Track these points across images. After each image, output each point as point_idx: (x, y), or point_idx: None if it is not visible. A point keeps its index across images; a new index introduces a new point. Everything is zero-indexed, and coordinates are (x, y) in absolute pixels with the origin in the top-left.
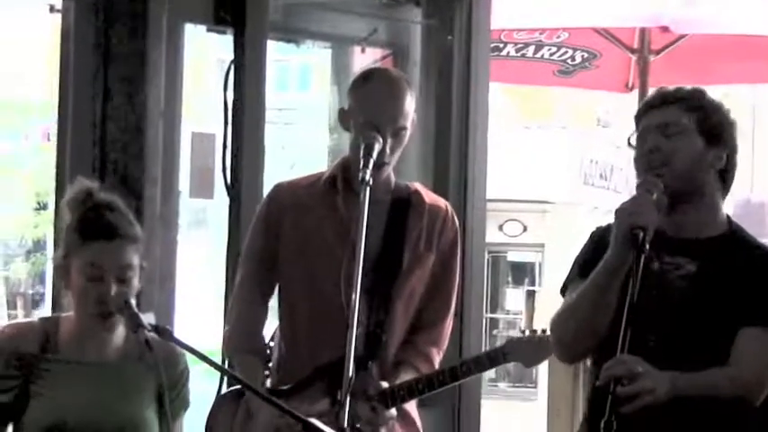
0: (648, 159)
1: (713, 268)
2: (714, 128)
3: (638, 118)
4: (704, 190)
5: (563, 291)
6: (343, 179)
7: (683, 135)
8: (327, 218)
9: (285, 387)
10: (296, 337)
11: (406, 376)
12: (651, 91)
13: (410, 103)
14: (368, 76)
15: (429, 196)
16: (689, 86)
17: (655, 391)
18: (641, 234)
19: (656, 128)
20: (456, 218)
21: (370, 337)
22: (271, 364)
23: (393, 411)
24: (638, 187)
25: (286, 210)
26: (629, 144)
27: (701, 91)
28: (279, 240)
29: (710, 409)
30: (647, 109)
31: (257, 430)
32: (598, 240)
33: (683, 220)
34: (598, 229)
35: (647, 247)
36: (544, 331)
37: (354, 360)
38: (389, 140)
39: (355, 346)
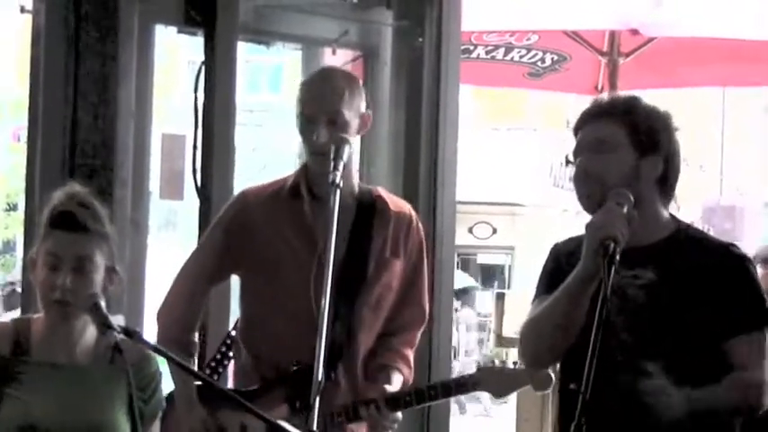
0: (580, 183)
1: (669, 272)
2: (648, 136)
3: (575, 131)
4: (642, 200)
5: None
6: (306, 186)
7: (614, 151)
8: (294, 226)
9: (244, 389)
10: (259, 344)
11: (395, 379)
12: (620, 94)
13: (349, 92)
14: (310, 74)
15: (393, 201)
16: (624, 95)
17: (672, 409)
18: (612, 245)
19: (588, 144)
20: (420, 223)
21: (334, 347)
22: (231, 368)
23: (399, 414)
24: (608, 199)
25: (252, 219)
26: (567, 162)
27: (634, 99)
28: (241, 248)
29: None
30: (582, 123)
31: None
32: (559, 257)
33: (631, 230)
34: (555, 246)
35: (618, 258)
36: (515, 364)
37: (312, 369)
38: (323, 131)
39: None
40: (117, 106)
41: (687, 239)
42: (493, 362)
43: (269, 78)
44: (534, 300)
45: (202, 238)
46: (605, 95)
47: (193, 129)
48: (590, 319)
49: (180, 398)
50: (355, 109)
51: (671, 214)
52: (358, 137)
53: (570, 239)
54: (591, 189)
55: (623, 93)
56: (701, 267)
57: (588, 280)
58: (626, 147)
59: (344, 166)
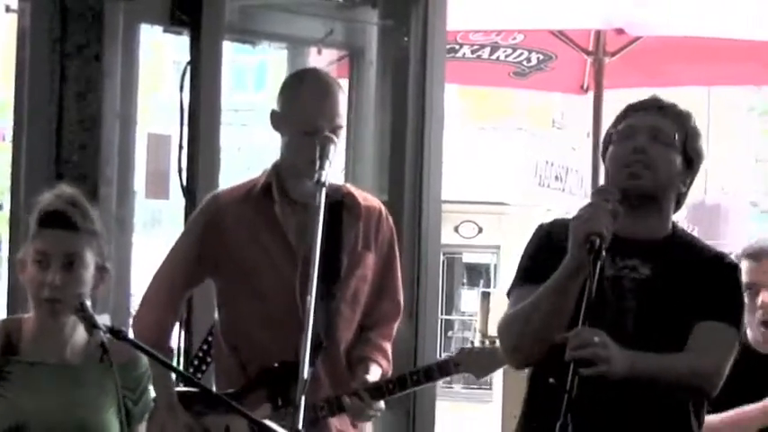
0: (632, 158)
1: (665, 270)
2: (693, 153)
3: (627, 113)
4: (663, 205)
5: (509, 295)
6: (278, 187)
7: (671, 147)
8: (265, 228)
9: (227, 392)
10: (239, 347)
11: (374, 370)
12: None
13: (344, 102)
14: (299, 76)
15: (362, 197)
16: (681, 107)
17: (610, 361)
18: (597, 241)
19: (648, 129)
20: (390, 216)
21: (313, 343)
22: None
23: (381, 403)
24: (593, 195)
25: (224, 222)
26: (608, 140)
27: (690, 115)
28: (215, 251)
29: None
30: (640, 109)
31: None
32: (544, 239)
33: (634, 222)
34: (540, 227)
35: (604, 253)
36: (494, 342)
37: (293, 366)
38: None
39: (296, 353)
40: (102, 106)
41: (685, 243)
42: (472, 343)
43: (254, 78)
44: (513, 288)
45: (174, 244)
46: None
47: (179, 128)
48: (573, 318)
49: (161, 402)
50: (345, 116)
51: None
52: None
53: (555, 222)
54: (642, 172)
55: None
56: (696, 268)
57: (575, 272)
58: (678, 150)
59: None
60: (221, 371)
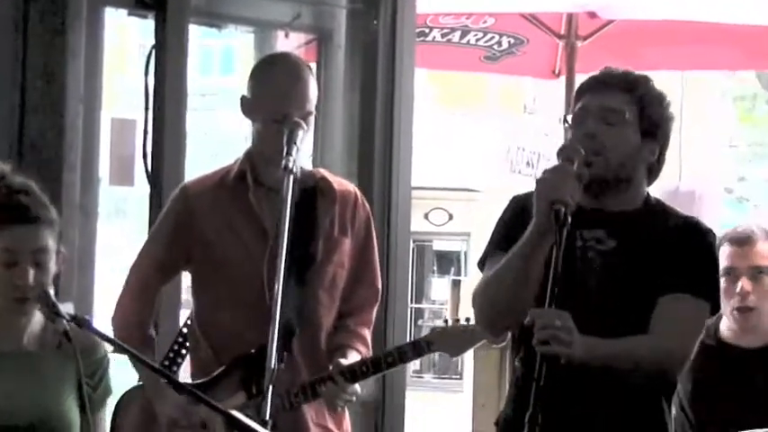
0: (582, 145)
1: (632, 241)
2: (653, 122)
3: (580, 94)
4: (632, 179)
5: (481, 264)
6: (252, 174)
7: (622, 126)
8: (240, 215)
9: (200, 380)
10: (215, 336)
11: (351, 356)
12: (578, 77)
13: (315, 88)
14: (270, 62)
15: (336, 181)
16: (636, 72)
17: (571, 346)
18: (562, 209)
19: (597, 111)
20: (365, 201)
21: (286, 330)
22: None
23: (357, 387)
24: (558, 154)
25: (197, 211)
26: (565, 121)
27: (646, 79)
28: (189, 241)
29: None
30: (589, 88)
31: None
32: (519, 210)
33: (603, 197)
34: (515, 198)
35: (570, 220)
36: (468, 320)
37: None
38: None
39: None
40: (66, 90)
41: (656, 213)
42: (446, 321)
43: (221, 62)
44: (486, 257)
45: (149, 235)
46: (615, 67)
47: (144, 113)
48: (543, 290)
49: (150, 389)
50: (314, 102)
51: (647, 192)
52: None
53: (530, 194)
54: (593, 159)
55: (634, 70)
56: (663, 238)
57: (540, 237)
58: (632, 125)
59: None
60: (196, 361)
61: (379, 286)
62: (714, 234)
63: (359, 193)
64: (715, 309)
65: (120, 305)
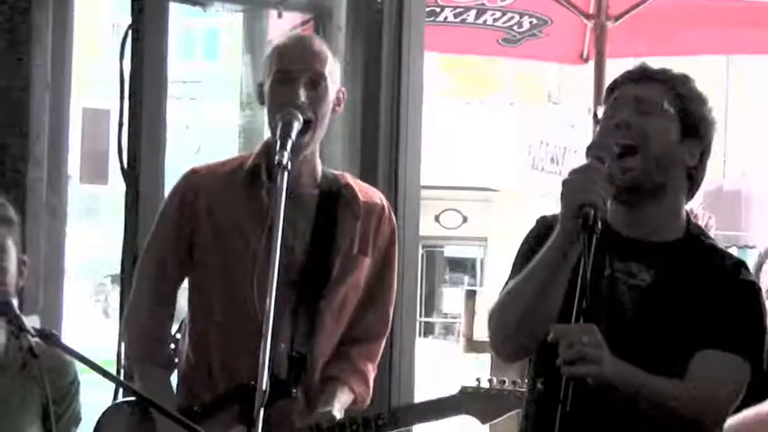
0: (615, 137)
1: (669, 279)
2: (695, 119)
3: (612, 89)
4: (671, 187)
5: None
6: (267, 169)
7: (661, 116)
8: (250, 214)
9: (195, 408)
10: (209, 348)
11: (341, 396)
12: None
13: (330, 59)
14: (281, 39)
15: (362, 190)
16: (675, 71)
17: (601, 363)
18: (592, 212)
19: (632, 100)
20: (393, 215)
21: (295, 359)
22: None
23: None
24: (587, 152)
25: (202, 202)
26: (595, 116)
27: (687, 77)
28: (192, 237)
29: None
30: (625, 80)
31: None
32: (545, 232)
33: (638, 217)
34: (542, 218)
35: (599, 225)
36: (503, 383)
37: (277, 384)
38: (304, 92)
39: (278, 368)
40: (30, 76)
41: (697, 248)
42: (478, 381)
43: (205, 45)
44: (508, 281)
45: (153, 229)
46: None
47: (119, 102)
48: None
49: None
50: (335, 80)
51: (687, 213)
52: (329, 115)
53: (558, 215)
54: (627, 159)
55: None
56: (703, 283)
57: (568, 244)
58: (672, 117)
59: (293, 144)
60: (186, 379)
61: (390, 315)
62: (759, 287)
63: (387, 204)
64: (756, 371)
65: (135, 317)
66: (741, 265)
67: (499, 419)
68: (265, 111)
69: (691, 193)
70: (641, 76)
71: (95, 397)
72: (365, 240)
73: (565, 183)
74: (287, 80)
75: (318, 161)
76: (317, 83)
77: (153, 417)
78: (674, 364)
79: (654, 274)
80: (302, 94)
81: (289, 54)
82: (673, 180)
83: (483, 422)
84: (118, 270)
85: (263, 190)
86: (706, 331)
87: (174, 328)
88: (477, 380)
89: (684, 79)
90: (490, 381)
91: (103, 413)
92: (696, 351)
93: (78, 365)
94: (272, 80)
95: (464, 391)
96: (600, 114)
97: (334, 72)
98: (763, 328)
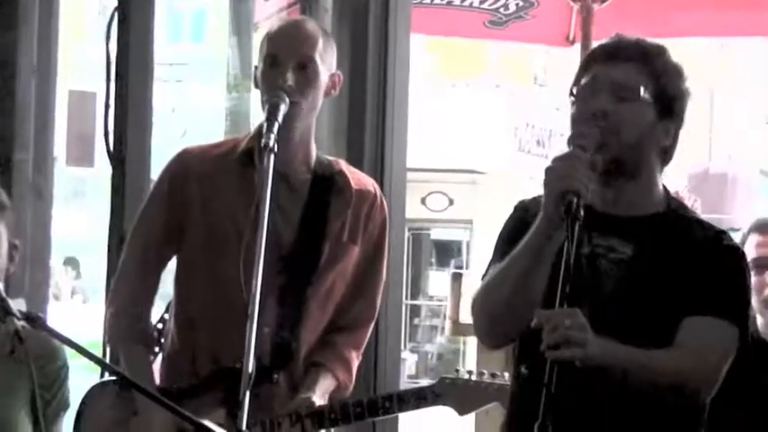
0: (591, 125)
1: (651, 252)
2: (670, 99)
3: (587, 66)
4: (645, 165)
5: (484, 278)
6: (260, 152)
7: (637, 103)
8: (241, 198)
9: (176, 387)
10: (193, 330)
11: (324, 382)
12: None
13: (319, 40)
14: (276, 23)
15: (355, 177)
16: (650, 41)
17: (586, 345)
18: (575, 200)
19: (608, 85)
20: (385, 202)
21: (279, 345)
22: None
23: None
24: (569, 141)
25: (193, 183)
26: (572, 94)
27: (663, 50)
28: (181, 218)
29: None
30: (599, 58)
31: (149, 429)
32: (524, 216)
33: (617, 195)
34: (520, 203)
35: (582, 213)
36: (482, 374)
37: (259, 369)
38: (292, 75)
39: (262, 354)
40: (16, 59)
41: (678, 220)
42: (457, 371)
43: (192, 27)
44: (489, 266)
45: (141, 208)
46: (627, 35)
47: (105, 85)
48: (551, 291)
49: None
50: (327, 64)
51: (664, 187)
52: (321, 99)
53: (536, 199)
54: (605, 137)
55: (648, 38)
56: (686, 253)
57: (551, 231)
58: (648, 103)
59: (282, 127)
60: (170, 360)
61: (378, 303)
62: (743, 252)
63: (379, 192)
64: (743, 336)
65: (117, 294)
66: (723, 232)
67: (477, 411)
68: (252, 94)
69: (663, 165)
70: (616, 53)
71: (83, 381)
72: (356, 228)
73: (547, 170)
74: (276, 64)
75: (313, 146)
76: (305, 66)
77: (134, 396)
78: (661, 335)
79: (635, 247)
80: (290, 78)
81: (279, 38)
82: (648, 159)
83: (460, 413)
84: (104, 252)
85: (256, 173)
86: (691, 299)
87: (163, 308)
88: (457, 371)
89: (661, 51)
90: (469, 372)
91: (87, 393)
92: (677, 317)
93: (67, 349)
94: (263, 64)
95: (443, 381)
96: (575, 93)
97: (325, 55)
98: (747, 292)
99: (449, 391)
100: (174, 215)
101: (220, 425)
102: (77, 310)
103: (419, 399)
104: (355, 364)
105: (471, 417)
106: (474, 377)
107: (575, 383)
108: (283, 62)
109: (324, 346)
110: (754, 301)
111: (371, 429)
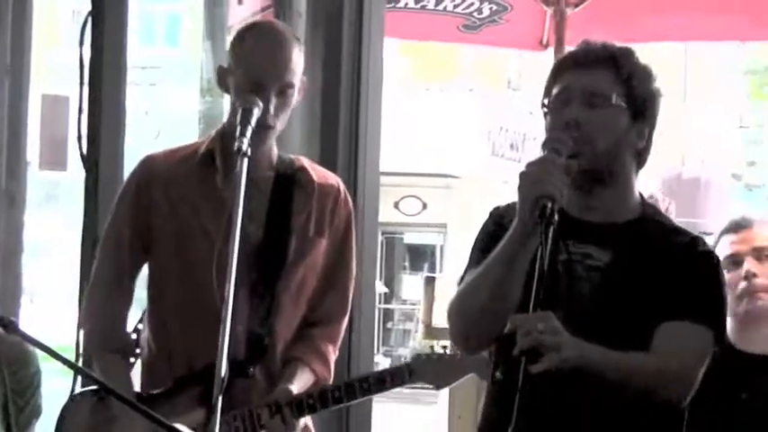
0: (564, 135)
1: (627, 258)
2: (642, 100)
3: (557, 74)
4: (621, 171)
5: (459, 284)
6: (221, 154)
7: (610, 109)
8: (205, 199)
9: (154, 392)
10: (168, 334)
11: (302, 376)
12: (569, 50)
13: (298, 59)
14: (250, 28)
15: (317, 173)
16: (617, 44)
17: (560, 349)
18: (549, 204)
19: (579, 93)
20: (349, 197)
21: (252, 340)
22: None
23: (302, 421)
24: (543, 146)
25: (158, 188)
26: (544, 106)
27: (631, 52)
28: (149, 223)
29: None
30: (570, 66)
31: None
32: (499, 223)
33: (593, 202)
34: (495, 210)
35: (556, 218)
36: (444, 348)
37: (234, 365)
38: (274, 100)
39: (236, 349)
40: None
41: (653, 226)
42: (432, 348)
43: (165, 31)
44: (465, 272)
45: (108, 222)
46: (594, 40)
47: (78, 89)
48: (526, 297)
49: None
50: (299, 75)
51: (639, 193)
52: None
53: (511, 205)
54: (579, 147)
55: (616, 42)
56: (662, 259)
57: (526, 237)
58: (621, 108)
59: (252, 138)
60: (148, 367)
61: (350, 296)
62: (718, 258)
63: (342, 187)
64: (719, 339)
65: (92, 303)
66: (697, 238)
67: (451, 385)
68: (226, 98)
69: (638, 168)
70: (584, 60)
71: (57, 385)
72: (321, 222)
73: (521, 175)
74: (259, 90)
75: (274, 145)
76: (284, 92)
77: (113, 406)
78: (638, 341)
79: (612, 254)
80: (272, 108)
81: (261, 65)
82: (623, 164)
83: (438, 388)
84: (77, 256)
85: (218, 175)
86: (668, 304)
87: (137, 318)
88: (431, 347)
89: (627, 53)
90: (444, 347)
91: (66, 404)
92: (655, 322)
93: (40, 354)
94: (243, 83)
95: (418, 357)
96: (546, 103)
97: (299, 68)
98: (723, 296)
99: (425, 367)
100: (143, 220)
101: (200, 424)
102: (50, 315)
103: (395, 377)
104: (332, 357)
105: (444, 424)
106: (449, 351)
107: (550, 388)
108: (267, 88)
109: (300, 341)
110: (729, 296)
111: (345, 428)
